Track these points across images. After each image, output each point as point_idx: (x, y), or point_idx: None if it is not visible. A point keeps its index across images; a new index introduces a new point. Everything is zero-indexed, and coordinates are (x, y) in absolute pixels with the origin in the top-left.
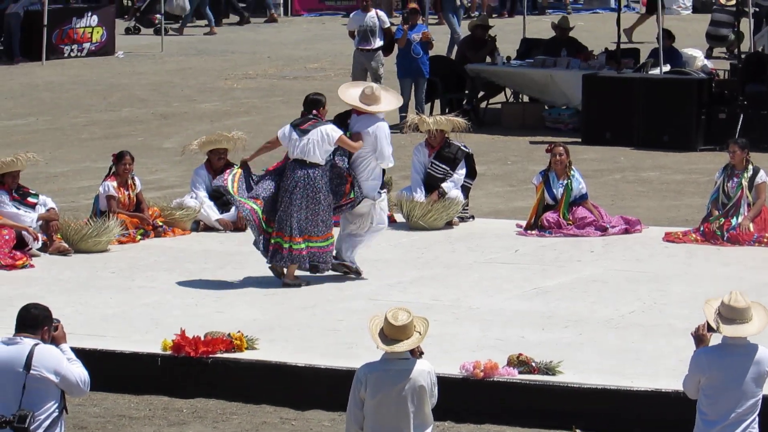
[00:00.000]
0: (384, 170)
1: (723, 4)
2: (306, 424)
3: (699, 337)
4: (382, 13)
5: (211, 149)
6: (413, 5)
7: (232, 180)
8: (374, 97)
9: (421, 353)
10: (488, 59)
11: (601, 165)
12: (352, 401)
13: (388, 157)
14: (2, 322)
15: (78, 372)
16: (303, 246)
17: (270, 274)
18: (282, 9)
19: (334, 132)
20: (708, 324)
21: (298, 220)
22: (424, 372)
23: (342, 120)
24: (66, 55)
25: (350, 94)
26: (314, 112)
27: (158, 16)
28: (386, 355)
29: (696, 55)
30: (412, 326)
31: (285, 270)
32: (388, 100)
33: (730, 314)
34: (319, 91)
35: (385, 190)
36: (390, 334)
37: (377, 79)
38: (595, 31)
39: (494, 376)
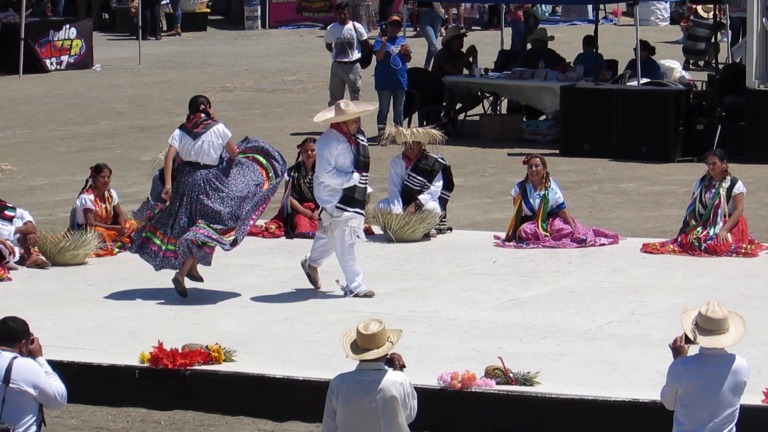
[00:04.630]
0: (354, 187)
1: (702, 16)
2: None
3: (677, 349)
4: (359, 26)
5: None
6: (396, 17)
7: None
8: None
9: (403, 366)
10: (465, 71)
11: (579, 176)
12: (326, 411)
13: (321, 174)
14: None
15: (55, 385)
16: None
17: (248, 283)
18: (259, 21)
19: (226, 131)
20: (685, 335)
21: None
22: (396, 383)
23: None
24: (44, 68)
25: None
26: (206, 110)
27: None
28: (360, 366)
29: (674, 66)
30: (384, 336)
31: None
32: (361, 106)
33: (708, 325)
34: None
35: (355, 209)
36: (361, 343)
37: (355, 91)
38: (572, 43)
39: (472, 387)
